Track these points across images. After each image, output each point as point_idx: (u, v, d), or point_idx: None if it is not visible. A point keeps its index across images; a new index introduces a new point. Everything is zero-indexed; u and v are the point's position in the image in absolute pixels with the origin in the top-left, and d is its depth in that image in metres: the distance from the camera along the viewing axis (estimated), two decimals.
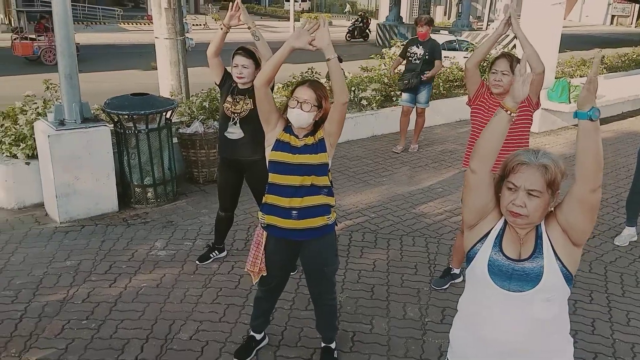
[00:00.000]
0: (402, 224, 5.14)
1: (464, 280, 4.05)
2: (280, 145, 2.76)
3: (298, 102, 2.67)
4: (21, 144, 5.06)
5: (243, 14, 3.68)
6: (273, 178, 2.78)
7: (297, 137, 2.76)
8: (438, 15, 37.86)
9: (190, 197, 5.59)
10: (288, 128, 2.78)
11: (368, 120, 7.82)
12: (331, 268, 2.97)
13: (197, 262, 4.27)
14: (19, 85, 10.84)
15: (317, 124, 2.76)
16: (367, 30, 28.14)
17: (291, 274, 3.73)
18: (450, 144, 7.87)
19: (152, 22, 12.70)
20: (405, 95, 7.24)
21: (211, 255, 4.32)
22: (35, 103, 5.30)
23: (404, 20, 26.93)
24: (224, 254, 4.39)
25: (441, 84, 8.77)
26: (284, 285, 3.15)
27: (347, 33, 28.05)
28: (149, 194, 5.29)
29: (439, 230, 5.01)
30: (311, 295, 3.11)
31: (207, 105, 6.18)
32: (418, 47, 7.02)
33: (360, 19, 28.50)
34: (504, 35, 3.52)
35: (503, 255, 1.86)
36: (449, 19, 36.65)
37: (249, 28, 3.71)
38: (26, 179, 5.04)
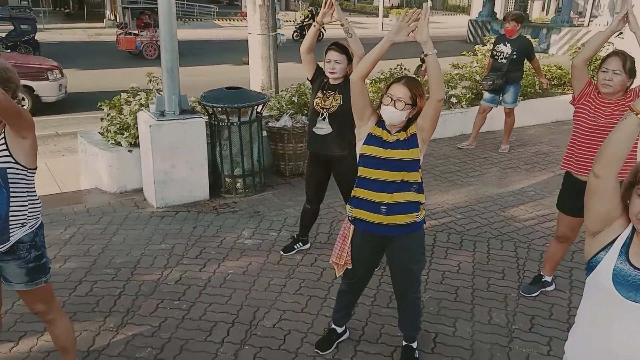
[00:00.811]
0: (489, 226, 4.96)
1: (556, 289, 3.90)
2: (372, 140, 2.76)
3: (392, 99, 2.66)
4: (125, 132, 5.41)
5: (337, 11, 3.71)
6: (363, 172, 2.78)
7: (389, 132, 2.75)
8: (535, 10, 36.04)
9: (276, 189, 5.73)
10: (380, 122, 2.77)
11: (457, 118, 7.62)
12: (418, 266, 2.93)
13: (281, 252, 4.37)
14: (121, 78, 11.62)
15: (410, 120, 2.73)
16: None
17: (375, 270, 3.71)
18: (544, 145, 7.49)
19: (244, 19, 13.08)
20: (487, 95, 6.98)
21: (295, 246, 4.41)
22: (139, 95, 5.65)
23: (497, 16, 25.91)
24: (308, 246, 4.46)
25: (537, 83, 8.36)
26: (367, 280, 3.15)
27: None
28: (238, 185, 5.48)
29: (530, 235, 4.79)
30: (395, 293, 3.08)
31: (296, 100, 6.29)
32: (505, 45, 6.69)
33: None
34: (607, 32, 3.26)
35: (630, 265, 1.73)
36: (547, 14, 34.81)
37: (341, 25, 3.73)
38: (128, 165, 5.39)
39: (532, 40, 7.25)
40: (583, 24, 23.20)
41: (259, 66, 7.36)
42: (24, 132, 2.37)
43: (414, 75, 8.82)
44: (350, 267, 2.96)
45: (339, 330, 3.27)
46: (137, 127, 5.33)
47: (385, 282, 3.91)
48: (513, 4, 29.65)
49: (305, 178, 4.35)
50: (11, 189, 2.38)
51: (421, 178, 2.81)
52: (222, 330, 3.38)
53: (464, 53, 9.17)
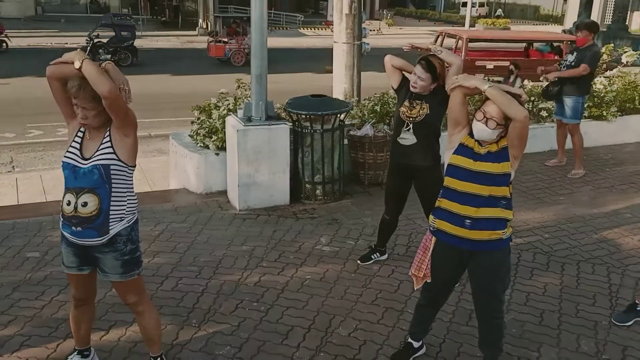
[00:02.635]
0: (580, 248, 4.69)
1: None
2: (462, 150, 2.70)
3: (485, 116, 2.60)
4: (213, 136, 5.64)
5: (443, 55, 3.65)
6: (449, 182, 2.73)
7: (480, 144, 2.68)
8: (635, 21, 33.79)
9: (355, 198, 5.73)
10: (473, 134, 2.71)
11: (547, 132, 7.26)
12: (502, 285, 2.82)
13: (358, 261, 4.36)
14: (210, 83, 12.10)
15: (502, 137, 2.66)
16: None
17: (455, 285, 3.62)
18: None
19: (329, 28, 13.23)
20: (555, 106, 6.74)
21: (372, 256, 4.38)
22: (227, 100, 5.87)
23: None
24: (385, 256, 4.42)
25: (637, 97, 7.82)
26: (447, 295, 3.07)
27: None
28: (318, 191, 5.53)
29: (625, 261, 4.48)
30: (476, 311, 2.98)
31: (379, 109, 6.27)
32: (572, 54, 6.38)
33: None
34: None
35: None
36: None
37: (428, 50, 3.72)
38: (214, 168, 5.60)
39: (601, 51, 6.84)
40: None
41: (342, 74, 7.42)
42: (127, 130, 2.54)
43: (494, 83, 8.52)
44: (429, 281, 2.90)
45: (416, 344, 3.21)
46: (224, 131, 5.53)
47: (465, 298, 3.80)
48: (611, 14, 27.99)
49: (385, 188, 4.32)
50: (113, 185, 2.55)
51: (510, 194, 2.71)
52: (298, 335, 3.41)
53: (555, 65, 8.75)
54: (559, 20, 43.06)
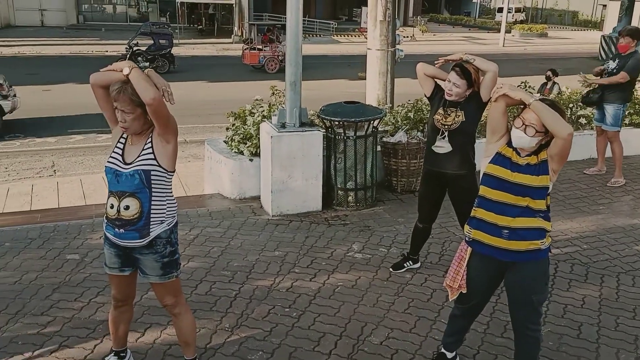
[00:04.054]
0: (620, 260, 4.55)
1: None
2: (499, 159, 2.66)
3: (523, 123, 2.56)
4: (247, 142, 5.70)
5: (478, 62, 3.61)
6: (484, 191, 2.69)
7: (519, 153, 2.63)
8: None
9: (387, 205, 5.70)
10: (512, 142, 2.67)
11: (586, 140, 7.08)
12: (540, 297, 2.75)
13: (390, 269, 4.33)
14: (244, 90, 12.27)
15: (542, 145, 2.60)
16: None
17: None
18: None
19: (362, 34, 13.25)
20: (595, 113, 6.61)
21: (405, 264, 4.35)
22: (262, 107, 5.94)
23: None
24: (418, 265, 4.37)
25: None
26: (483, 306, 3.02)
27: None
28: (350, 198, 5.53)
29: None
30: (513, 323, 2.92)
31: (412, 116, 6.24)
32: (614, 61, 6.23)
33: None
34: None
35: None
36: None
37: (460, 59, 3.68)
38: (248, 173, 5.66)
39: None
40: None
41: (375, 81, 7.41)
42: (168, 136, 2.60)
43: (538, 95, 8.37)
44: (464, 292, 2.86)
45: (449, 355, 3.16)
46: (259, 138, 5.59)
47: (500, 309, 3.73)
48: None
49: (418, 196, 4.28)
50: (153, 189, 2.62)
51: (548, 206, 2.65)
52: (330, 342, 3.41)
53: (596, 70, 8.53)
54: (597, 25, 42.05)
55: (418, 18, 38.14)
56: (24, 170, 7.85)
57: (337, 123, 5.31)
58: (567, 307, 3.84)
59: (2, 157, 8.44)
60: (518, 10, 46.09)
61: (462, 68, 3.60)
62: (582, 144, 7.08)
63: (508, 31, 32.31)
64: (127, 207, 2.60)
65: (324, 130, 5.49)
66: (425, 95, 3.99)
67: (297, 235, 4.92)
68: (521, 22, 43.08)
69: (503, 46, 29.15)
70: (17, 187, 6.89)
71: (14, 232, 4.80)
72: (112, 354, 3.09)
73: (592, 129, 7.11)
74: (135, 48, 17.43)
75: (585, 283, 4.18)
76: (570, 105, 7.25)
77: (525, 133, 2.55)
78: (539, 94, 8.15)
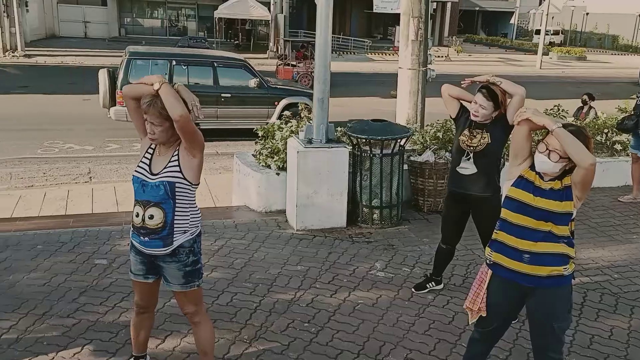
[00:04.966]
0: None
1: None
2: (522, 183, 2.63)
3: (547, 148, 2.53)
4: (275, 156, 5.78)
5: (505, 85, 3.59)
6: (506, 214, 2.66)
7: (542, 177, 2.60)
8: None
9: (412, 224, 5.67)
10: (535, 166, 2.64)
11: (621, 167, 6.92)
12: (562, 325, 2.69)
13: (413, 289, 4.29)
14: None
15: (567, 171, 2.56)
16: None
17: (512, 322, 3.48)
18: None
19: (396, 53, 13.31)
20: (631, 140, 6.48)
21: (428, 285, 4.30)
22: (291, 122, 6.01)
23: None
24: (441, 286, 4.33)
25: None
26: (503, 332, 2.96)
27: None
28: (375, 215, 5.52)
29: None
30: (533, 350, 2.85)
31: (441, 136, 6.21)
32: None
33: None
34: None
35: None
36: None
37: (487, 81, 3.66)
38: (274, 187, 5.72)
39: None
40: None
41: (406, 100, 7.42)
42: (195, 151, 2.67)
43: (574, 118, 8.23)
44: (484, 315, 2.81)
45: None
46: (286, 152, 5.65)
47: (523, 336, 3.65)
48: None
49: (442, 217, 4.25)
50: (177, 201, 2.69)
51: (572, 232, 2.60)
52: None
53: (633, 96, 8.35)
54: (638, 50, 41.16)
55: (453, 38, 38.01)
56: (62, 176, 8.10)
57: (363, 140, 5.33)
58: (594, 337, 3.73)
59: (41, 163, 8.74)
60: (556, 32, 45.47)
61: (489, 90, 3.58)
62: (617, 170, 6.93)
63: (545, 53, 31.89)
64: (151, 217, 2.67)
65: (351, 147, 5.52)
66: (451, 117, 3.98)
67: (320, 251, 4.93)
68: (559, 44, 42.47)
69: (540, 68, 28.76)
70: (53, 192, 7.11)
71: (46, 236, 4.96)
72: (132, 359, 3.14)
73: (627, 155, 6.95)
74: None
75: (614, 314, 4.06)
76: (606, 130, 7.11)
77: (549, 158, 2.52)
78: (573, 118, 8.01)
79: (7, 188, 7.35)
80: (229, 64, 11.06)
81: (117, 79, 10.18)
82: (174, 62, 10.47)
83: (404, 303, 4.11)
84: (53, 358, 3.27)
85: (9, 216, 6.01)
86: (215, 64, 10.81)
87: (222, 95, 10.65)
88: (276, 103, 10.85)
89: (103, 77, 10.40)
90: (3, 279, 4.15)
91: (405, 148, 5.65)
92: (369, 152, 5.34)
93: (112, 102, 10.28)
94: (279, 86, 11.63)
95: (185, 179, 2.70)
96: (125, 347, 3.37)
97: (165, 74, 9.95)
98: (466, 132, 3.77)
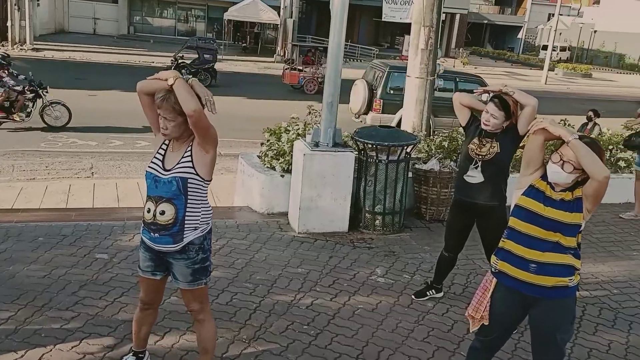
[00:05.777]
0: None
1: None
2: (532, 192, 2.63)
3: (561, 159, 2.53)
4: (280, 158, 5.78)
5: (517, 96, 3.59)
6: (514, 223, 2.65)
7: (553, 188, 2.59)
8: None
9: (414, 232, 5.66)
10: (546, 176, 2.64)
11: (624, 184, 6.92)
12: (564, 336, 2.68)
13: (413, 296, 4.29)
14: (281, 109, 12.44)
15: (578, 182, 2.56)
16: None
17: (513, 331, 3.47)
18: None
19: (403, 62, 13.34)
20: (637, 157, 6.53)
21: (428, 293, 4.30)
22: (297, 125, 6.02)
23: None
24: (441, 294, 4.32)
25: None
26: (504, 341, 2.95)
27: None
28: (377, 221, 5.51)
29: None
30: None
31: (446, 145, 6.22)
32: None
33: None
34: None
35: None
36: None
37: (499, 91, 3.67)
38: (278, 189, 5.72)
39: None
40: None
41: (412, 108, 7.43)
42: (208, 146, 2.67)
43: (580, 133, 8.22)
44: (486, 324, 2.81)
45: None
46: (292, 154, 5.66)
47: (522, 347, 3.64)
48: None
49: (446, 225, 4.25)
50: (189, 196, 2.69)
51: (578, 244, 2.60)
52: None
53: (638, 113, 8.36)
54: None
55: (460, 50, 38.11)
56: (64, 170, 8.11)
57: (370, 146, 5.33)
58: (591, 351, 3.73)
59: (44, 156, 8.75)
60: (563, 49, 45.59)
61: (502, 99, 3.59)
62: (619, 187, 6.91)
63: (551, 69, 31.95)
64: (162, 212, 2.66)
65: (357, 152, 5.52)
66: (461, 125, 3.99)
67: (321, 254, 4.92)
68: (565, 61, 42.57)
69: (545, 83, 28.81)
70: (55, 186, 7.12)
71: (48, 228, 4.95)
72: (131, 354, 3.13)
73: (631, 172, 6.95)
74: (180, 61, 17.91)
75: (612, 328, 4.05)
76: (610, 147, 7.11)
77: (562, 169, 2.52)
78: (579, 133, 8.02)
79: (9, 180, 7.36)
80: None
81: (376, 89, 11.72)
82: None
83: (404, 309, 4.10)
84: (51, 350, 3.26)
85: (10, 207, 6.01)
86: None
87: None
88: None
89: (363, 86, 11.85)
90: (3, 269, 4.15)
91: (411, 155, 5.65)
92: (375, 157, 5.34)
93: (368, 109, 11.79)
94: None
95: (198, 174, 2.69)
96: (123, 342, 3.37)
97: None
98: (475, 140, 3.77)
